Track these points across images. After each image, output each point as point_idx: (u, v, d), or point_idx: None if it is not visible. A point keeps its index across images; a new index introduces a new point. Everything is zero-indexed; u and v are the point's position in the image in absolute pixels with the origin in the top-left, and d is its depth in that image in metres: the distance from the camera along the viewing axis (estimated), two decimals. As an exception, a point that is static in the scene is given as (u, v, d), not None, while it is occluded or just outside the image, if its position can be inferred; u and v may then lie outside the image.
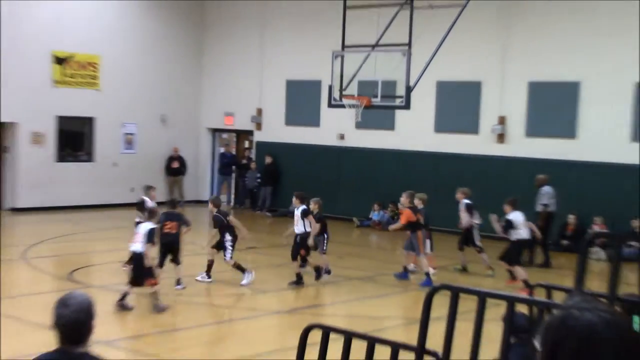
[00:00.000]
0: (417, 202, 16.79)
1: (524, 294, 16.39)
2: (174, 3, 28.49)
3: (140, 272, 13.04)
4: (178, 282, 15.00)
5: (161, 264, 14.52)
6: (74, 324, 4.22)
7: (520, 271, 16.04)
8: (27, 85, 24.84)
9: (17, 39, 24.57)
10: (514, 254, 16.35)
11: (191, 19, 29.06)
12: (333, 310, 14.27)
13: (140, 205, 16.30)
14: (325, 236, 16.53)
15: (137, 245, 13.17)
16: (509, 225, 16.29)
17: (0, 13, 24.04)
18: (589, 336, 2.21)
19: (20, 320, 12.55)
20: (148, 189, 17.33)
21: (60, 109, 25.75)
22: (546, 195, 19.28)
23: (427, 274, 16.04)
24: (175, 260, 14.84)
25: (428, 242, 16.95)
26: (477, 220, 17.88)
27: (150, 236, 13.13)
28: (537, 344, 2.33)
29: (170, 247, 14.71)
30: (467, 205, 17.81)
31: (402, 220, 16.69)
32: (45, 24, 25.19)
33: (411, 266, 17.13)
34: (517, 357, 5.60)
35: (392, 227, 18.16)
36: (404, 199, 16.85)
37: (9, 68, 24.38)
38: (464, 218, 17.77)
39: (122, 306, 13.06)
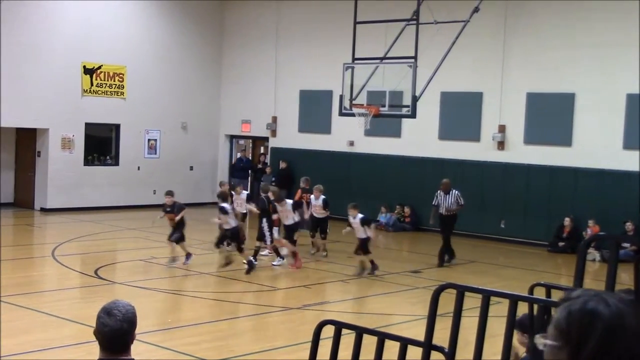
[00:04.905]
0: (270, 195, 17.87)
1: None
2: (195, 18, 28.52)
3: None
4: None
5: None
6: (118, 333, 4.00)
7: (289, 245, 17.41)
8: (58, 94, 24.92)
9: (50, 52, 24.69)
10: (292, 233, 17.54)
11: (211, 34, 29.07)
12: (343, 307, 14.17)
13: None
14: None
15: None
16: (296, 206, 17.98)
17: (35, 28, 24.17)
18: (616, 325, 2.09)
19: (48, 314, 12.53)
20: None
21: (88, 116, 25.80)
22: (459, 195, 18.51)
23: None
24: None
25: (276, 229, 18.39)
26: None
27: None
28: (541, 340, 2.21)
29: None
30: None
31: None
32: (76, 37, 25.26)
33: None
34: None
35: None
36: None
37: (43, 78, 24.53)
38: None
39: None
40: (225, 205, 16.52)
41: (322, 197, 18.77)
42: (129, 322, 4.03)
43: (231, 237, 16.55)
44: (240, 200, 18.63)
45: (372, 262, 16.92)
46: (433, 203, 18.69)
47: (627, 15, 20.39)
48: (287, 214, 17.45)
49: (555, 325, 2.18)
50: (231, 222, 16.47)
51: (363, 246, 16.71)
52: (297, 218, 17.58)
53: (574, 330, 2.13)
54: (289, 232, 17.52)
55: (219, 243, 17.10)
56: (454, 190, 18.41)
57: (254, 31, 28.36)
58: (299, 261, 17.29)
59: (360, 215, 16.89)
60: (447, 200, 18.31)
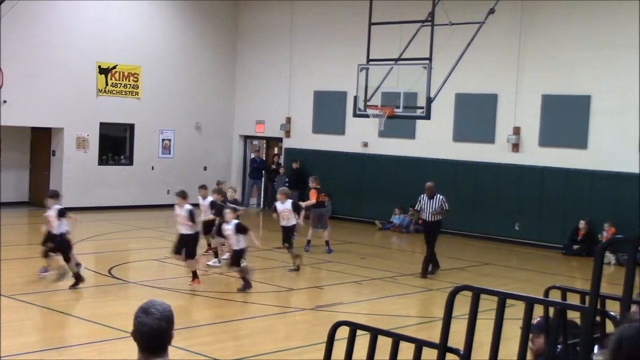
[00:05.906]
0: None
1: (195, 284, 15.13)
2: (209, 19, 28.59)
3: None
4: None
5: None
6: (156, 332, 3.88)
7: (194, 263, 15.19)
8: (73, 93, 25.06)
9: (65, 52, 24.83)
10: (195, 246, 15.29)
11: (225, 34, 29.13)
12: (357, 308, 14.16)
13: None
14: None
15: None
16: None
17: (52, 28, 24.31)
18: None
19: (62, 312, 12.59)
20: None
21: (103, 116, 25.92)
22: (443, 200, 17.50)
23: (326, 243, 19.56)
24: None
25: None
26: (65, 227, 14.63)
27: None
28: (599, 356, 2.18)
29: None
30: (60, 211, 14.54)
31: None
32: (91, 37, 25.40)
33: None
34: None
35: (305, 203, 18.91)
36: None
37: (58, 78, 24.68)
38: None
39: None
40: (60, 206, 14.50)
41: (290, 200, 17.41)
42: (167, 320, 3.93)
43: (58, 244, 14.39)
44: (204, 207, 17.62)
45: (244, 278, 14.82)
46: (415, 207, 17.95)
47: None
48: (183, 220, 15.17)
49: (610, 345, 2.18)
50: (62, 228, 14.36)
51: (235, 258, 14.79)
52: (198, 229, 15.57)
53: (624, 353, 2.15)
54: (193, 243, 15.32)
55: (46, 251, 14.67)
56: (438, 195, 17.46)
57: (268, 32, 28.40)
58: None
59: (235, 221, 14.77)
60: (431, 206, 17.36)
